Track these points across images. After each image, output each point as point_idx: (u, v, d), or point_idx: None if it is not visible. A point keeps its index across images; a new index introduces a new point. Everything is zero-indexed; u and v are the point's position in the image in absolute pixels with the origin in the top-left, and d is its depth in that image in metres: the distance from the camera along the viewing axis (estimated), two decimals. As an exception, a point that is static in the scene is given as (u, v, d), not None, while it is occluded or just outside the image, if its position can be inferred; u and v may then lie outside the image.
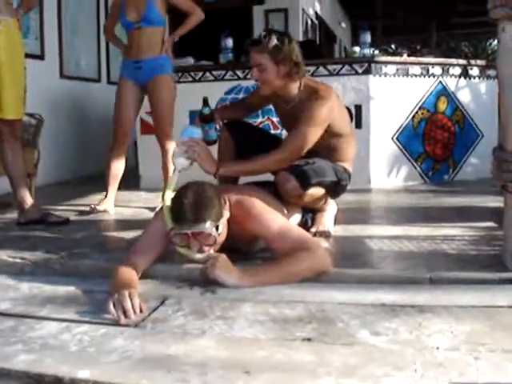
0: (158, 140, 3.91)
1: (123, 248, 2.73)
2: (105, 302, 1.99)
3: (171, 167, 3.78)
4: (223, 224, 2.26)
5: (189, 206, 2.17)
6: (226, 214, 2.30)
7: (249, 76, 3.49)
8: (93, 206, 3.76)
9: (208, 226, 2.17)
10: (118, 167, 3.94)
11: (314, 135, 2.67)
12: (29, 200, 3.44)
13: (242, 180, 3.02)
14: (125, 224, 3.51)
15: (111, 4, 4.00)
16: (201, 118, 2.80)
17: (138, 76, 3.82)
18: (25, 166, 3.55)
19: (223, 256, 2.20)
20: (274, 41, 2.65)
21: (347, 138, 2.92)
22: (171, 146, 3.80)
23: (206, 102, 2.80)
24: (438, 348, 1.62)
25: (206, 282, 2.20)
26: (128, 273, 2.20)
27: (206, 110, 2.78)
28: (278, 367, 1.53)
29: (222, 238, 2.27)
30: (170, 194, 2.34)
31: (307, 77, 2.88)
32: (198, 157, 2.54)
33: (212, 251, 2.25)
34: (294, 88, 2.77)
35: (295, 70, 2.71)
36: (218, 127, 2.85)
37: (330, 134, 2.77)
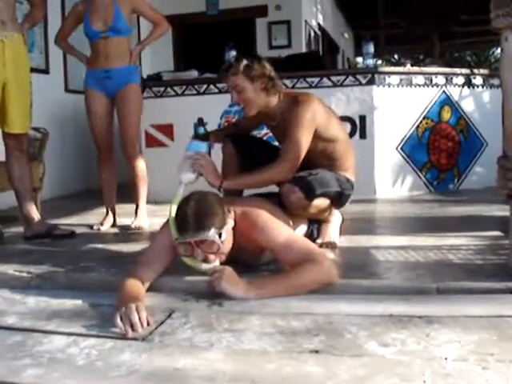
0: (125, 151, 3.79)
1: (129, 261, 2.73)
2: (112, 316, 1.98)
3: (144, 183, 3.81)
4: (227, 232, 2.26)
5: (191, 214, 2.19)
6: (231, 222, 2.31)
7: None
8: (96, 227, 3.77)
9: (211, 233, 2.18)
10: (110, 182, 3.90)
11: (304, 139, 2.69)
12: (35, 214, 3.46)
13: (247, 192, 3.03)
14: (131, 237, 3.52)
15: (70, 10, 3.86)
16: (196, 138, 2.82)
17: (106, 86, 3.71)
18: (31, 180, 3.56)
19: (229, 268, 2.20)
20: (244, 61, 2.73)
21: (341, 143, 2.92)
22: (138, 158, 3.82)
23: (201, 122, 2.83)
24: (446, 358, 1.61)
25: (213, 295, 2.20)
26: (135, 286, 2.20)
27: (201, 130, 2.81)
28: (286, 380, 1.53)
29: (226, 247, 2.28)
30: (175, 208, 2.35)
31: (285, 90, 2.92)
32: (204, 170, 2.56)
33: (218, 262, 2.25)
34: (274, 102, 2.82)
35: (270, 84, 2.77)
36: (212, 148, 2.86)
37: (321, 139, 2.80)
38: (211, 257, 2.23)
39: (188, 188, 2.50)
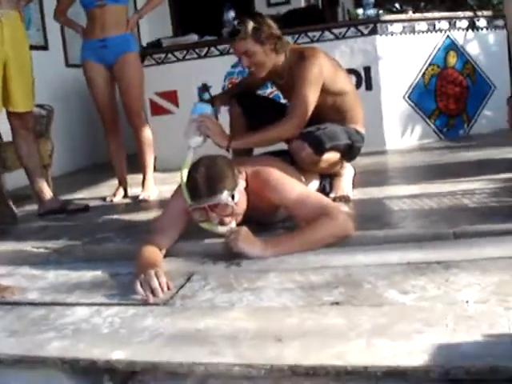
0: (130, 122, 3.76)
1: (144, 230, 2.74)
2: (131, 284, 2.00)
3: (150, 152, 3.79)
4: (239, 193, 2.26)
5: (201, 180, 2.19)
6: (242, 183, 2.30)
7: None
8: (109, 199, 3.78)
9: (223, 196, 2.18)
10: (118, 154, 3.88)
11: (312, 94, 2.66)
12: (47, 191, 3.47)
13: (257, 152, 3.02)
14: (144, 205, 3.53)
15: None
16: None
17: (103, 56, 3.64)
18: (40, 158, 3.57)
19: (245, 228, 2.20)
20: (251, 24, 2.66)
21: (350, 96, 2.89)
22: (145, 128, 3.79)
23: (205, 87, 2.80)
24: (467, 301, 1.62)
25: (230, 256, 2.21)
26: (152, 252, 2.22)
27: (206, 96, 2.78)
28: (309, 333, 1.54)
29: (240, 208, 2.28)
30: (186, 173, 2.35)
31: (290, 45, 2.86)
32: (210, 132, 2.54)
33: (234, 223, 2.25)
34: (282, 60, 2.77)
35: (279, 43, 2.72)
36: (219, 113, 2.83)
37: (329, 92, 2.77)
38: (227, 219, 2.23)
39: (197, 152, 2.49)
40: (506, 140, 4.03)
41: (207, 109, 2.65)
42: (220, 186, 2.18)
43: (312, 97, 2.67)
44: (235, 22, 2.73)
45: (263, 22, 2.70)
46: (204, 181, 2.19)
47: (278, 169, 2.40)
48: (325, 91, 2.72)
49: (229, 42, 2.76)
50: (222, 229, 2.24)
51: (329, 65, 2.76)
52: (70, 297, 2.08)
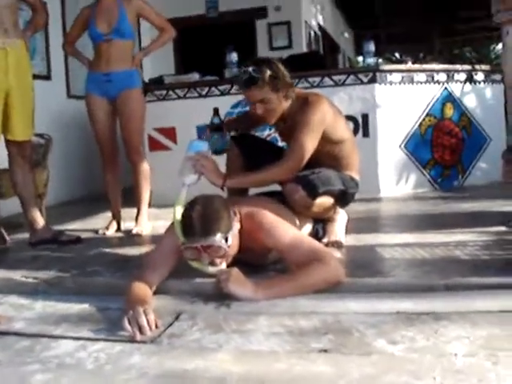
0: (128, 156, 3.78)
1: (135, 265, 2.72)
2: (119, 319, 1.99)
3: (147, 188, 3.80)
4: (233, 235, 2.26)
5: (197, 219, 2.18)
6: (236, 225, 2.30)
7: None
8: (101, 231, 3.77)
9: (217, 238, 2.18)
10: (114, 186, 3.88)
11: (311, 141, 2.68)
12: (40, 220, 3.46)
13: (252, 191, 3.02)
14: (136, 240, 3.52)
15: (77, 15, 3.83)
16: (211, 127, 2.80)
17: (106, 90, 3.67)
18: (35, 187, 3.57)
19: (236, 270, 2.20)
20: (268, 72, 2.65)
21: (347, 144, 2.91)
22: (143, 163, 3.80)
23: (216, 112, 2.81)
24: (455, 354, 1.61)
25: (220, 296, 2.20)
26: (141, 289, 2.20)
27: (216, 120, 2.78)
28: (296, 380, 1.52)
29: (232, 250, 2.28)
30: (179, 210, 2.35)
31: (295, 90, 2.88)
32: (205, 169, 2.54)
33: (224, 264, 2.25)
34: (287, 105, 2.79)
35: (290, 90, 2.75)
36: (227, 136, 2.84)
37: (328, 140, 2.78)
38: (217, 260, 2.22)
39: (192, 190, 2.49)
40: (499, 192, 4.06)
41: (203, 146, 2.65)
42: (215, 228, 2.18)
43: (311, 143, 2.68)
44: (250, 69, 2.65)
45: (279, 71, 2.70)
46: (199, 220, 2.18)
47: (272, 211, 2.40)
48: (324, 138, 2.74)
49: (242, 89, 2.72)
50: (211, 269, 2.23)
51: (331, 113, 2.78)
52: (56, 329, 2.06)
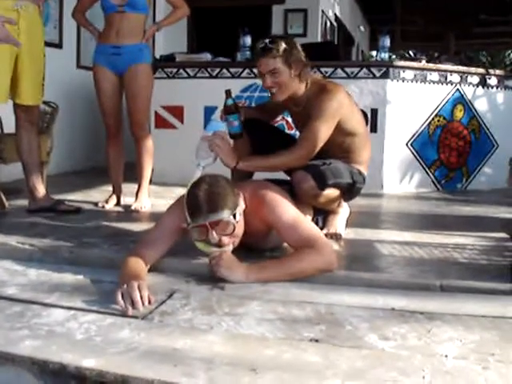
0: (133, 131, 3.74)
1: (132, 240, 2.73)
2: (113, 293, 1.98)
3: (149, 164, 3.78)
4: (240, 213, 2.25)
5: (203, 196, 2.17)
6: (242, 204, 2.30)
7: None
8: (101, 204, 3.76)
9: (225, 213, 2.17)
10: (116, 160, 3.86)
11: (325, 130, 2.66)
12: (41, 187, 3.45)
13: (256, 178, 3.01)
14: (135, 216, 3.52)
15: None
16: (225, 109, 2.77)
17: (115, 63, 3.61)
18: (39, 154, 3.55)
19: (228, 253, 2.21)
20: (283, 45, 2.65)
21: (360, 137, 2.89)
22: (147, 139, 3.78)
23: (228, 93, 2.77)
24: (446, 356, 1.60)
25: (215, 278, 2.20)
26: (137, 264, 2.20)
27: (230, 101, 2.74)
28: (284, 367, 1.52)
29: (240, 230, 2.27)
30: None
31: (312, 76, 2.86)
32: (219, 150, 2.52)
33: (231, 246, 2.24)
34: (302, 88, 2.76)
35: (304, 70, 2.73)
36: (242, 119, 2.81)
37: (342, 131, 2.76)
38: (225, 240, 2.21)
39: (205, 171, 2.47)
40: (502, 199, 4.05)
41: (221, 126, 2.64)
42: (222, 204, 2.17)
43: (325, 132, 2.66)
44: (267, 40, 2.65)
45: (294, 47, 2.70)
46: (206, 197, 2.17)
47: (275, 193, 2.40)
48: (337, 129, 2.72)
49: (256, 59, 2.69)
50: (215, 250, 2.22)
51: (348, 103, 2.76)
52: (48, 297, 2.06)
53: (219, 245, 2.21)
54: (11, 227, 3.00)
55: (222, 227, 2.19)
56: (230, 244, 2.23)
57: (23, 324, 1.80)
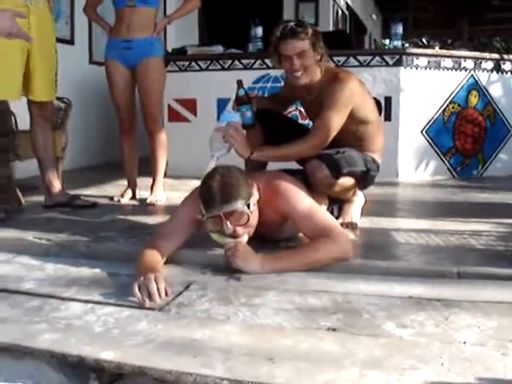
0: (146, 125, 3.75)
1: (148, 233, 2.74)
2: (129, 285, 1.99)
3: (163, 157, 3.78)
4: (254, 203, 2.25)
5: (217, 187, 2.17)
6: (256, 194, 2.29)
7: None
8: (116, 198, 3.78)
9: (239, 203, 2.17)
10: (131, 154, 3.87)
11: (338, 119, 2.65)
12: (56, 183, 3.47)
13: (270, 168, 3.00)
14: (150, 209, 3.53)
15: None
16: (237, 100, 2.76)
17: (126, 57, 3.62)
18: (54, 150, 3.57)
19: (243, 244, 2.21)
20: (310, 29, 2.66)
21: (373, 125, 2.88)
22: (161, 133, 3.78)
23: (240, 84, 2.76)
24: (464, 343, 1.59)
25: (231, 269, 2.20)
26: (154, 256, 2.20)
27: (241, 92, 2.73)
28: (302, 356, 1.52)
29: (254, 220, 2.26)
30: None
31: (325, 64, 2.85)
32: (234, 140, 2.52)
33: (246, 237, 2.24)
34: (318, 75, 2.75)
35: (324, 57, 2.72)
36: (254, 109, 2.80)
37: (354, 120, 2.75)
38: (240, 230, 2.21)
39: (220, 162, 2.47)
40: (519, 185, 4.01)
41: (234, 117, 2.63)
42: (236, 194, 2.17)
43: (338, 121, 2.65)
44: (292, 23, 2.66)
45: (318, 33, 2.72)
46: (220, 188, 2.16)
47: (290, 183, 2.40)
48: (350, 117, 2.70)
49: (283, 39, 2.66)
50: (230, 241, 2.22)
51: (360, 91, 2.74)
52: (66, 291, 2.07)
53: (234, 235, 2.21)
54: (28, 223, 3.02)
55: (237, 217, 2.19)
56: (244, 234, 2.23)
57: (41, 318, 1.81)
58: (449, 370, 1.43)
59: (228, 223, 2.18)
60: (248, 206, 2.20)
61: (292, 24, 2.67)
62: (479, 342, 1.60)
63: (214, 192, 2.16)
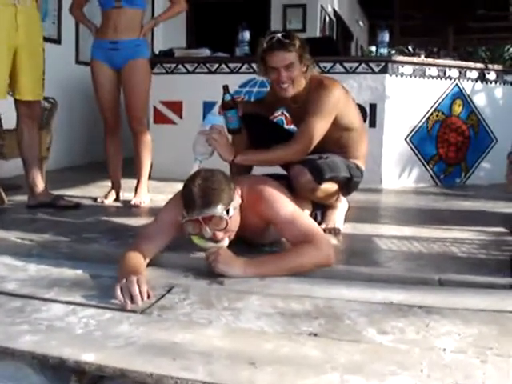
0: (131, 127, 3.73)
1: (131, 235, 2.73)
2: (112, 287, 1.98)
3: (147, 159, 3.78)
4: (234, 208, 2.25)
5: (198, 191, 2.16)
6: (237, 199, 2.29)
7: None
8: (100, 199, 3.76)
9: (218, 209, 2.16)
10: (115, 155, 3.86)
11: (322, 125, 2.67)
12: (40, 183, 3.45)
13: (255, 172, 3.01)
14: (134, 211, 3.52)
15: None
16: (223, 105, 2.77)
17: (112, 58, 3.61)
18: (39, 149, 3.55)
19: (224, 249, 2.21)
20: (297, 39, 2.66)
21: (357, 132, 2.90)
22: (145, 134, 3.77)
23: (226, 89, 2.77)
24: (444, 349, 1.61)
25: (214, 273, 2.20)
26: (136, 259, 2.20)
27: (227, 97, 2.74)
28: (283, 361, 1.52)
29: (234, 225, 2.27)
30: None
31: (311, 72, 2.86)
32: (217, 143, 2.53)
33: (227, 241, 2.24)
34: (303, 85, 2.76)
35: (310, 67, 2.73)
36: (240, 114, 2.80)
37: (338, 126, 2.77)
38: (219, 234, 2.21)
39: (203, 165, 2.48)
40: (500, 194, 4.05)
41: (218, 120, 2.64)
42: (216, 199, 2.17)
43: (322, 127, 2.67)
44: (279, 35, 2.64)
45: (305, 43, 2.71)
46: (200, 192, 2.16)
47: (273, 188, 2.40)
48: (334, 124, 2.72)
49: (271, 50, 2.64)
50: (212, 245, 2.22)
51: (344, 98, 2.76)
52: (48, 292, 2.06)
53: (213, 239, 2.21)
54: (11, 223, 3.00)
55: (216, 222, 2.19)
56: (225, 239, 2.23)
57: (23, 319, 1.80)
58: (428, 376, 1.44)
59: (207, 228, 2.18)
60: (227, 212, 2.20)
61: (279, 35, 2.66)
62: (459, 350, 1.61)
63: (195, 196, 2.16)
